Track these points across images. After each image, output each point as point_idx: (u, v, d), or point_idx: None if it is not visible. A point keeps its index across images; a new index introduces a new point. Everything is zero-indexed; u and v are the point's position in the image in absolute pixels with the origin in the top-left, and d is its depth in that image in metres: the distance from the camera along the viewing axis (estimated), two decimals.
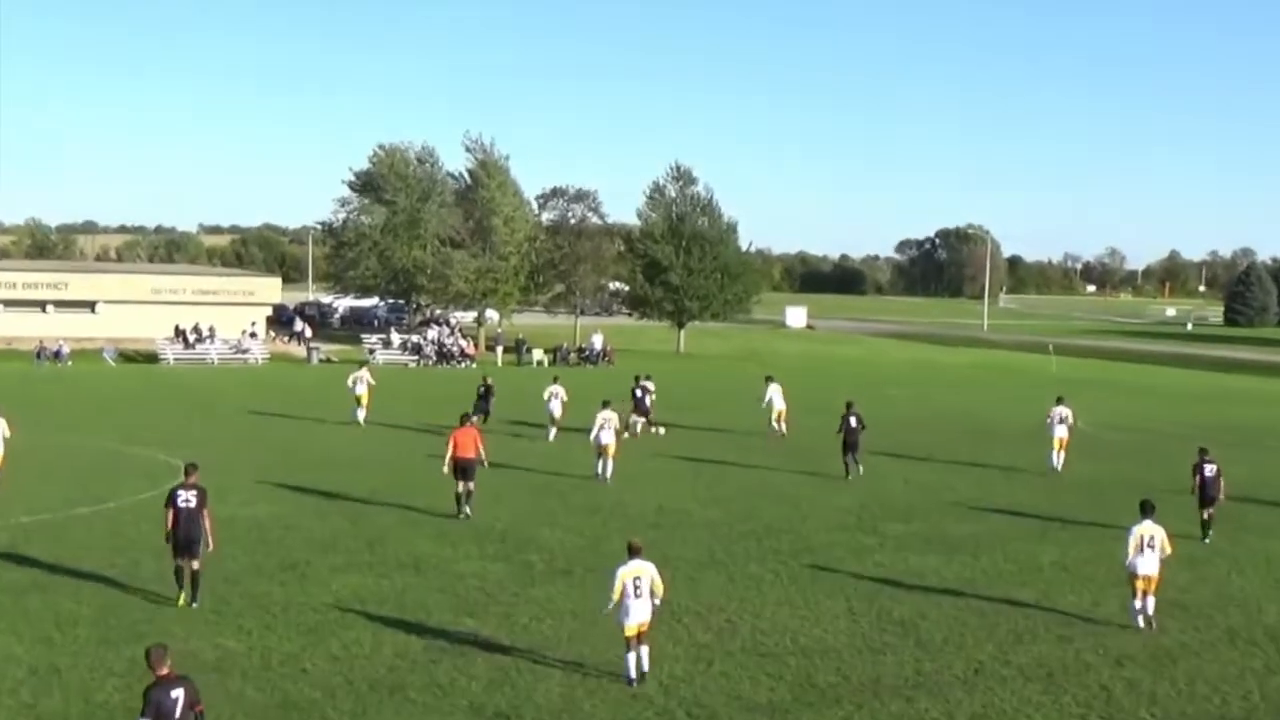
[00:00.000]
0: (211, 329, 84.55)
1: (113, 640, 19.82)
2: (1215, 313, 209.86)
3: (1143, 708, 18.18)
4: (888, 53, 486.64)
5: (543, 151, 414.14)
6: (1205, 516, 29.65)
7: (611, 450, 36.56)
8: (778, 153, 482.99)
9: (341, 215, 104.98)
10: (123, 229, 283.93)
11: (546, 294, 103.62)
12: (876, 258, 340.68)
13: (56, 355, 78.25)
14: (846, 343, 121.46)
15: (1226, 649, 21.10)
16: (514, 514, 30.88)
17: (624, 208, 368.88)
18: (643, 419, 47.05)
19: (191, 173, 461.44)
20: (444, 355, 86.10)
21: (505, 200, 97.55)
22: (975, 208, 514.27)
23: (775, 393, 47.78)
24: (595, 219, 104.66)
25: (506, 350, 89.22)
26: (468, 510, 30.37)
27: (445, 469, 30.87)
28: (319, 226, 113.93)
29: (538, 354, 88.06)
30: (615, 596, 18.26)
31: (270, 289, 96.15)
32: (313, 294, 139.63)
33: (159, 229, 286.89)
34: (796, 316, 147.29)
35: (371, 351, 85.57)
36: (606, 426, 36.62)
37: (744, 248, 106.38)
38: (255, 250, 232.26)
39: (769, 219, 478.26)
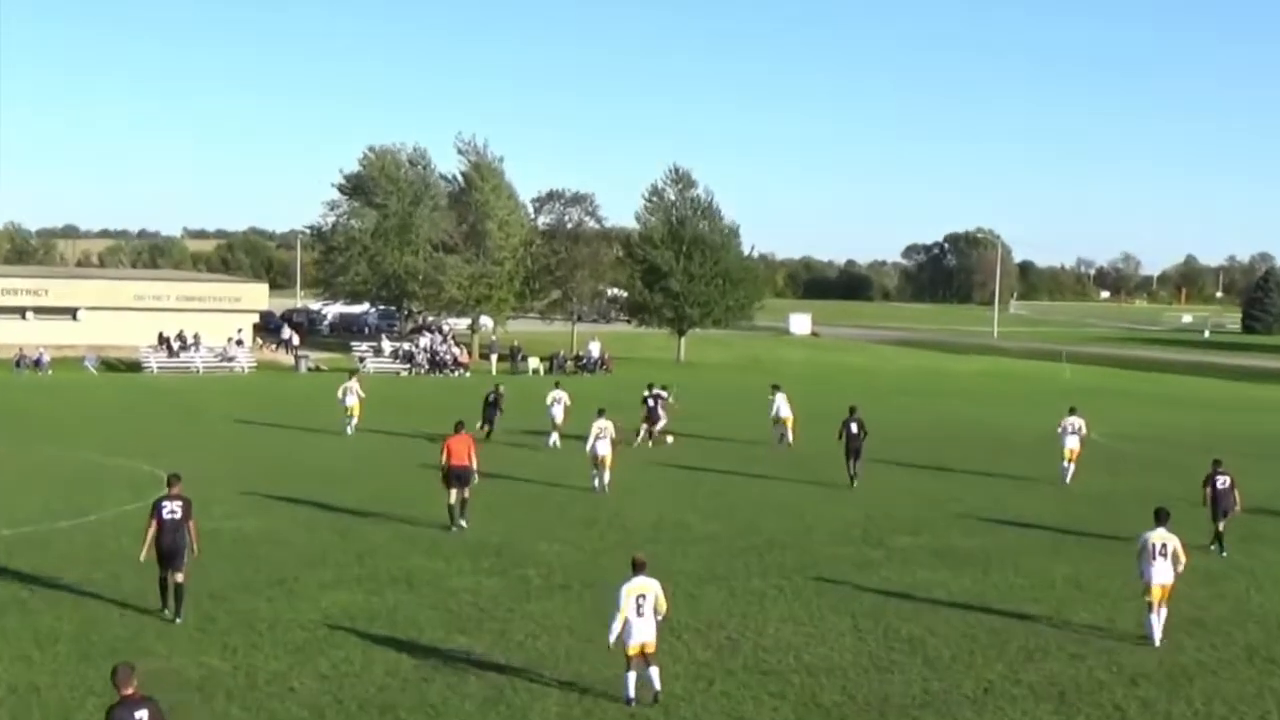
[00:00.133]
0: (196, 336, 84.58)
1: (93, 657, 19.79)
2: (1233, 319, 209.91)
3: None
4: (895, 53, 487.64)
5: (538, 154, 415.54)
6: (1219, 529, 29.68)
7: (608, 461, 36.61)
8: (781, 155, 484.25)
9: (331, 219, 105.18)
10: (105, 233, 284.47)
11: (542, 300, 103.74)
12: (883, 263, 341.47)
13: (37, 364, 78.26)
14: (852, 350, 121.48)
15: (1245, 667, 21.07)
16: (509, 527, 30.86)
17: (622, 211, 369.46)
18: (653, 427, 47.37)
19: (176, 175, 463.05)
20: (436, 364, 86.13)
21: (499, 204, 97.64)
22: (985, 211, 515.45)
23: (781, 402, 48.32)
24: (593, 223, 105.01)
25: (501, 358, 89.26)
26: (463, 521, 30.41)
27: (443, 469, 30.94)
28: (307, 231, 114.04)
29: (533, 362, 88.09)
30: (621, 620, 18.05)
31: (257, 295, 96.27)
32: (301, 300, 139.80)
33: (142, 233, 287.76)
34: (801, 323, 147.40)
35: (362, 360, 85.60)
36: (603, 436, 36.67)
37: (746, 252, 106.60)
38: (241, 255, 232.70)
39: (772, 223, 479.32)
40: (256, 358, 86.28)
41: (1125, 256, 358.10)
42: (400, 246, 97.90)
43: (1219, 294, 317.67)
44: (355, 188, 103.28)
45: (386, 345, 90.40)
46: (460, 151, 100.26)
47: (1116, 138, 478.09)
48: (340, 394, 50.23)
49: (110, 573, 25.05)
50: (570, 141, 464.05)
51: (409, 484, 36.80)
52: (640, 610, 18.08)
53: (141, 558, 22.35)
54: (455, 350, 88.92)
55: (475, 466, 31.00)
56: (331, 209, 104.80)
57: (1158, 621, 21.94)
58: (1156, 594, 21.91)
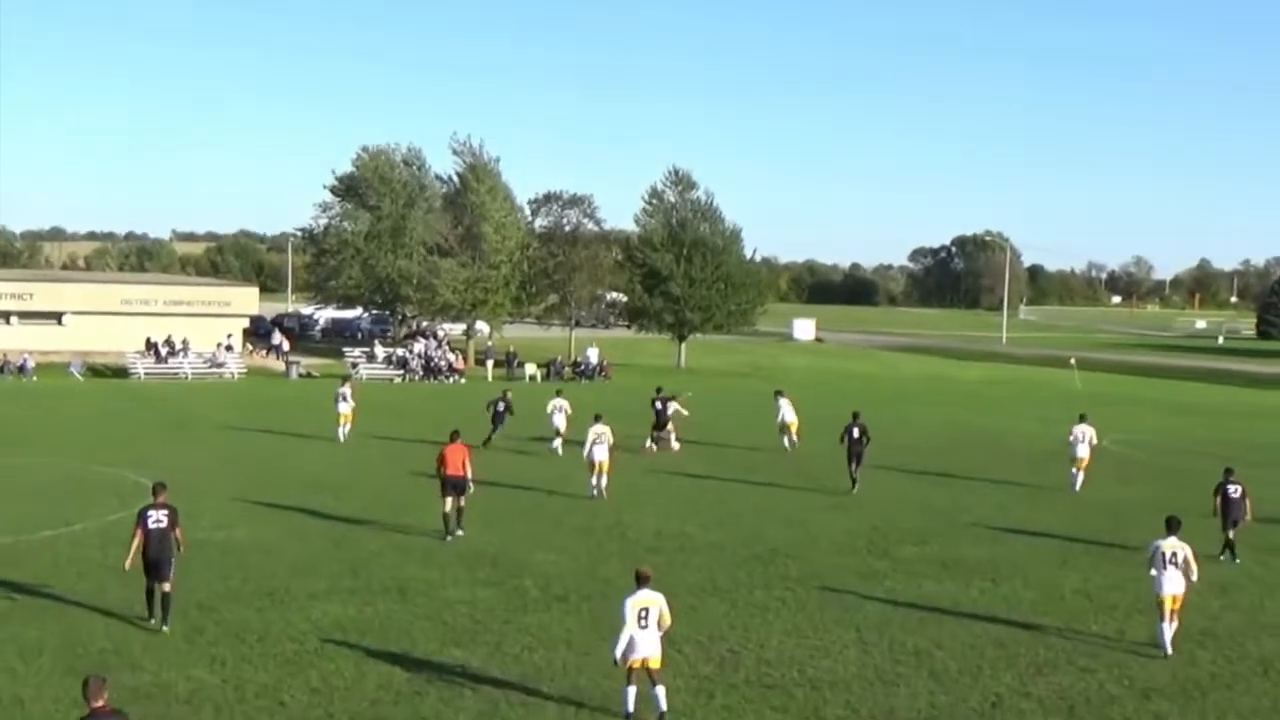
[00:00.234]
0: (185, 342, 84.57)
1: (78, 670, 19.71)
2: (1248, 325, 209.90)
3: None
4: (901, 52, 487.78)
5: (535, 155, 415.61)
6: (1229, 537, 29.89)
7: (605, 466, 36.86)
8: (784, 156, 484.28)
9: (323, 221, 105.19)
10: (91, 236, 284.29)
11: (539, 305, 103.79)
12: (889, 267, 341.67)
13: (21, 369, 78.27)
14: (857, 357, 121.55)
15: (1259, 680, 21.07)
16: (505, 536, 30.86)
17: (621, 214, 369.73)
18: (660, 432, 47.74)
19: (164, 176, 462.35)
20: (431, 370, 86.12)
21: (496, 206, 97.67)
22: (993, 214, 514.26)
23: (785, 407, 48.68)
24: (591, 225, 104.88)
25: (497, 364, 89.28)
26: (459, 531, 30.50)
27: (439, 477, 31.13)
28: (299, 233, 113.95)
29: (530, 368, 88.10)
30: (628, 631, 17.94)
31: (247, 299, 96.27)
32: (292, 305, 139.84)
33: (129, 236, 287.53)
34: (804, 329, 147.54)
35: (354, 366, 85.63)
36: (600, 442, 36.97)
37: (748, 256, 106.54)
38: (231, 258, 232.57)
39: (775, 226, 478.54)
40: (246, 364, 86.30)
41: (1137, 260, 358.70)
42: (394, 249, 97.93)
43: (1233, 299, 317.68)
44: (348, 189, 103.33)
45: (380, 351, 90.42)
46: (455, 152, 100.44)
47: (1128, 138, 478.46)
48: (335, 399, 50.38)
49: (95, 584, 25.04)
50: (568, 142, 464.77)
51: (402, 492, 36.81)
52: (643, 624, 18.00)
53: (126, 566, 22.38)
54: (450, 356, 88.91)
55: (470, 476, 31.11)
56: (324, 211, 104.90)
57: (1169, 631, 21.99)
58: (1167, 604, 21.96)
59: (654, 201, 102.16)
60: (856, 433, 39.24)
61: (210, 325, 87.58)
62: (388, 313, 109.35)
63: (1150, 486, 42.14)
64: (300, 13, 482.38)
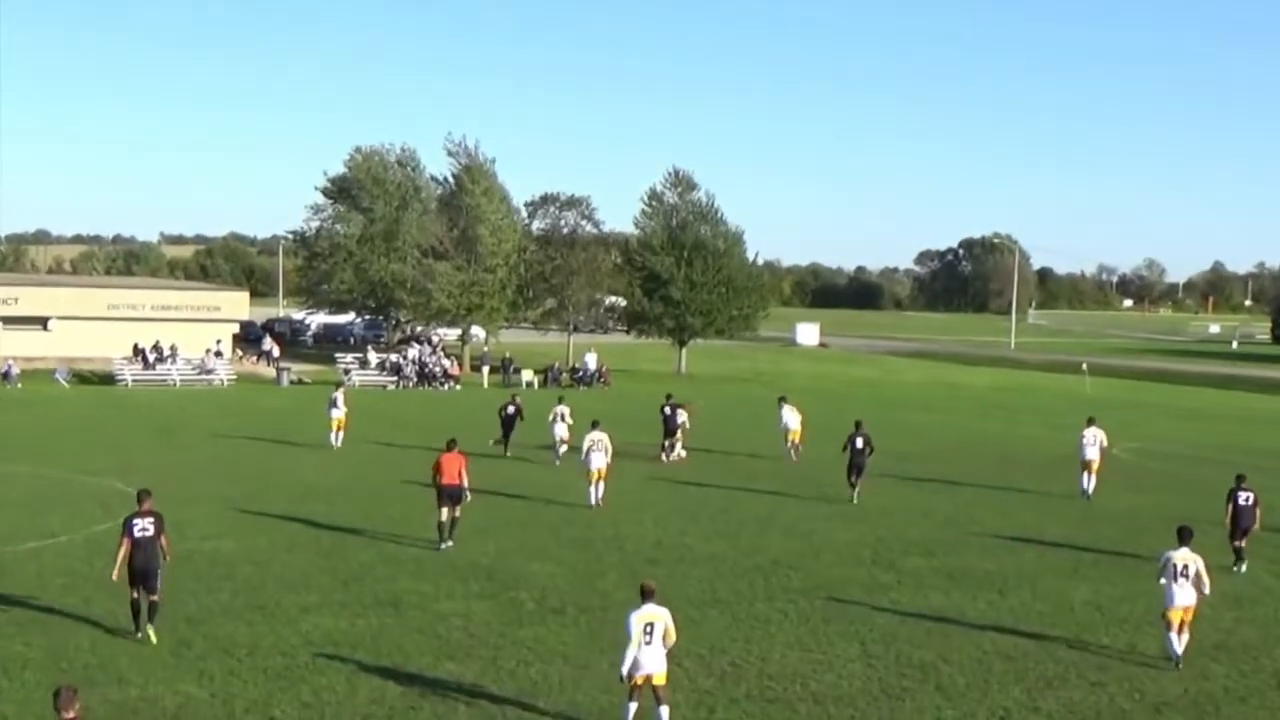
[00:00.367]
0: (173, 348, 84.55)
1: (63, 684, 19.74)
2: (1262, 329, 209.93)
3: None
4: (907, 51, 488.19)
5: (533, 157, 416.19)
6: (1239, 545, 30.09)
7: (603, 474, 36.98)
8: (787, 157, 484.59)
9: (315, 224, 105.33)
10: (78, 239, 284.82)
11: (536, 309, 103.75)
12: (895, 270, 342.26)
13: (5, 376, 78.23)
14: (862, 362, 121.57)
15: (1274, 695, 21.05)
16: (501, 547, 30.85)
17: (620, 216, 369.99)
18: (671, 440, 47.94)
19: (152, 178, 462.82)
20: (425, 376, 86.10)
21: (491, 207, 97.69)
22: (1002, 216, 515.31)
23: (789, 413, 48.78)
24: (589, 228, 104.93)
25: (493, 371, 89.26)
26: (450, 541, 30.52)
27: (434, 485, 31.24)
28: (290, 236, 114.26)
29: (527, 375, 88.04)
30: (634, 647, 17.82)
31: (237, 304, 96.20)
32: (283, 309, 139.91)
33: (117, 239, 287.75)
34: (808, 334, 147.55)
35: (347, 372, 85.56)
36: (596, 449, 37.01)
37: (751, 259, 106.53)
38: (221, 262, 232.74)
39: (778, 228, 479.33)
40: (236, 370, 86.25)
41: (1149, 263, 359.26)
42: (387, 252, 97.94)
43: (1248, 302, 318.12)
44: (341, 191, 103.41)
45: (373, 357, 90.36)
46: (450, 153, 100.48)
47: (1140, 138, 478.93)
48: (328, 405, 50.53)
49: (81, 596, 25.03)
50: (565, 143, 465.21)
51: (395, 503, 36.80)
52: (648, 639, 17.90)
53: (114, 577, 22.37)
54: (445, 362, 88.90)
55: (467, 485, 31.13)
56: (315, 213, 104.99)
57: (1179, 643, 22.02)
58: (1177, 616, 22.00)
59: (653, 203, 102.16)
60: (860, 443, 39.30)
61: (199, 331, 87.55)
62: (381, 318, 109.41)
63: (1162, 495, 42.15)
64: (292, 11, 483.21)
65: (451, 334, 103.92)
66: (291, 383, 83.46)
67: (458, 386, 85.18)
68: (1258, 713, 20.12)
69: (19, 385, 77.13)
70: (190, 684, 20.06)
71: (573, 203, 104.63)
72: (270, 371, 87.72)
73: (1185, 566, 22.15)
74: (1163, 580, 22.29)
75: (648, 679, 17.92)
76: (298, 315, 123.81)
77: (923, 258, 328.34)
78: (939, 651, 22.71)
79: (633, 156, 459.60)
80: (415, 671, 20.92)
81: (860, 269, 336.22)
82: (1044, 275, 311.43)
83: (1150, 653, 22.77)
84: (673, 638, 18.20)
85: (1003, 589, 27.80)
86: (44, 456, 46.01)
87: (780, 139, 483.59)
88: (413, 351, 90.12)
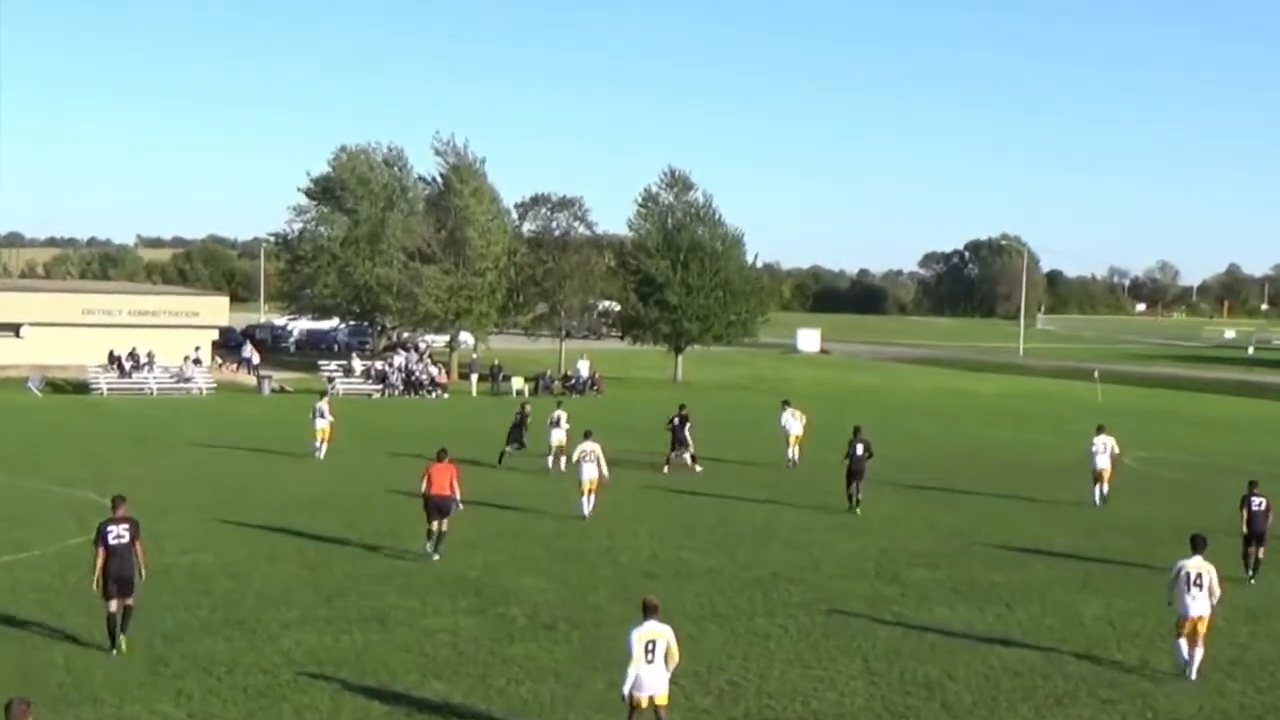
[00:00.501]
0: (150, 355, 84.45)
1: (35, 704, 19.69)
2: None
3: None
4: (910, 46, 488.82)
5: (524, 157, 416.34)
6: (1255, 554, 30.51)
7: (594, 485, 37.07)
8: (786, 156, 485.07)
9: (297, 226, 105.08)
10: (52, 242, 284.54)
11: (527, 315, 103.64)
12: (899, 273, 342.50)
13: None
14: (865, 369, 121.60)
15: None
16: (490, 560, 30.86)
17: (614, 218, 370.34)
18: (684, 452, 48.14)
19: (129, 179, 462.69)
20: (412, 384, 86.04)
21: (481, 209, 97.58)
22: (1009, 217, 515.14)
23: (790, 418, 49.02)
24: (582, 229, 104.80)
25: (482, 378, 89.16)
26: (437, 555, 30.63)
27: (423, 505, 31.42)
28: (272, 239, 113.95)
29: (517, 382, 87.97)
30: (636, 665, 17.68)
31: (216, 309, 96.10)
32: (265, 315, 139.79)
33: (92, 242, 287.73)
34: (809, 340, 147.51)
35: (330, 380, 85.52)
36: (588, 459, 37.10)
37: (749, 262, 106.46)
38: (200, 266, 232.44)
39: (777, 230, 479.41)
40: (215, 378, 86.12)
41: (1162, 266, 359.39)
42: (372, 255, 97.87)
43: (1264, 306, 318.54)
44: (324, 191, 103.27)
45: (357, 364, 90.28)
46: (438, 152, 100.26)
47: (1152, 137, 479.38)
48: (312, 414, 50.62)
49: (54, 612, 25.01)
50: (558, 143, 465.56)
51: (381, 514, 36.80)
52: (650, 657, 17.73)
53: (95, 588, 22.40)
54: (432, 370, 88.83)
55: (459, 496, 31.31)
56: (298, 215, 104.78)
57: (1190, 654, 22.15)
58: (1190, 627, 22.09)
59: (649, 204, 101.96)
60: (860, 449, 39.49)
61: (177, 337, 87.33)
62: (366, 324, 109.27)
63: (1176, 505, 42.20)
64: (274, 6, 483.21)
65: (439, 340, 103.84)
66: (273, 391, 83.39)
67: (445, 395, 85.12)
68: None
69: None
70: (167, 704, 20.04)
71: (565, 204, 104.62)
72: (251, 380, 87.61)
73: (1199, 575, 22.25)
74: (1174, 589, 22.37)
75: (650, 700, 17.81)
76: (279, 321, 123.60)
77: (927, 260, 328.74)
78: (944, 668, 22.72)
79: (627, 156, 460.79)
80: (401, 690, 20.91)
81: (863, 272, 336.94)
82: (1053, 278, 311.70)
83: (1164, 669, 22.79)
84: (676, 656, 18.00)
85: (1010, 603, 27.82)
86: (16, 467, 45.97)
87: (779, 137, 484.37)
88: (399, 359, 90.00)
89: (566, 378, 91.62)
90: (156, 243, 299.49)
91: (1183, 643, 22.25)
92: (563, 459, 46.46)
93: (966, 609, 27.17)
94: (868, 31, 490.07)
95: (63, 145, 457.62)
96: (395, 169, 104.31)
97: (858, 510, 38.92)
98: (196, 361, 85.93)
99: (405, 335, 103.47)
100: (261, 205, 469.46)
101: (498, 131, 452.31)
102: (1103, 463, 41.38)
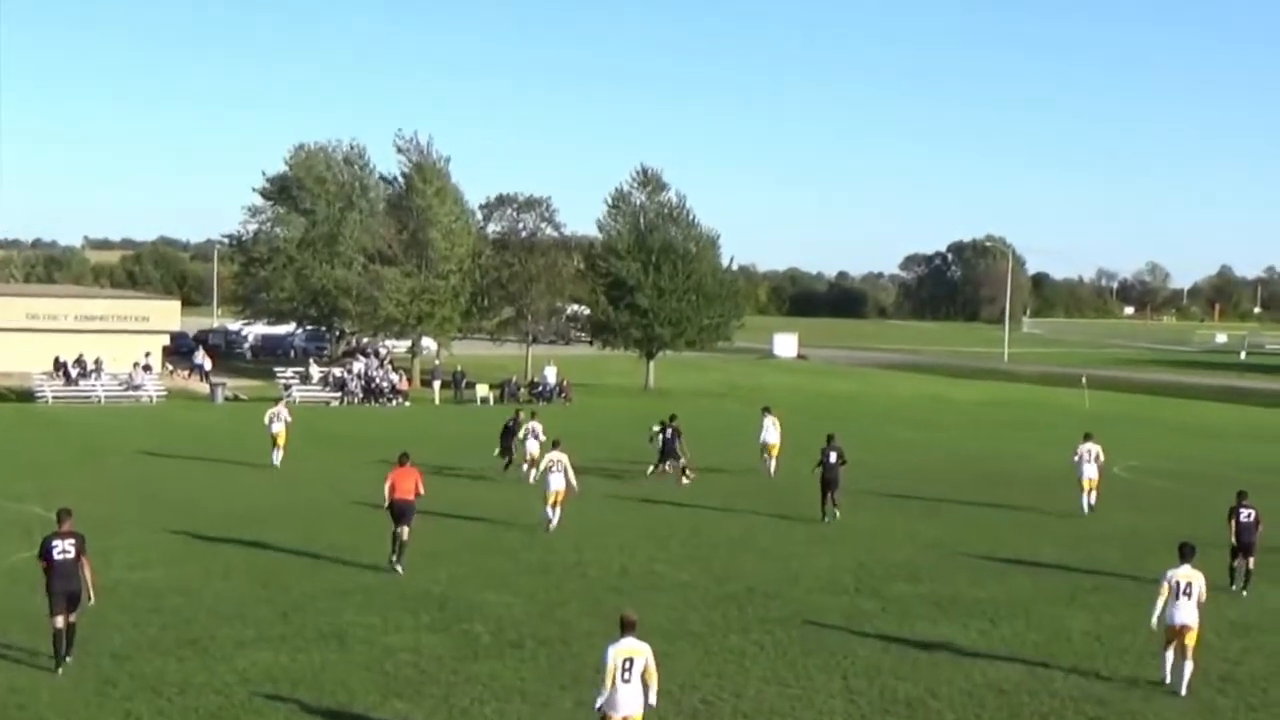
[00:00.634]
0: (98, 361, 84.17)
1: None
2: (1273, 338, 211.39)
3: None
4: (890, 42, 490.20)
5: (489, 155, 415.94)
6: (1244, 565, 30.72)
7: (560, 496, 37.08)
8: (761, 155, 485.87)
9: (252, 227, 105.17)
10: None
11: (493, 319, 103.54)
12: (879, 275, 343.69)
13: None
14: (844, 375, 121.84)
15: None
16: (454, 575, 30.82)
17: (583, 218, 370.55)
18: (675, 463, 48.14)
19: (76, 178, 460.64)
20: (372, 392, 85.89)
21: (444, 209, 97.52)
22: (994, 217, 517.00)
23: (769, 426, 49.20)
24: (550, 230, 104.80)
25: (445, 385, 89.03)
26: (400, 568, 30.72)
27: (386, 503, 31.63)
28: (225, 240, 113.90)
29: (481, 390, 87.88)
30: (608, 683, 17.53)
31: (168, 314, 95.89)
32: (218, 320, 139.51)
33: (37, 243, 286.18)
34: (786, 345, 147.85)
35: (287, 388, 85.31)
36: (555, 470, 37.12)
37: (724, 264, 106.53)
38: (150, 268, 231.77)
39: (752, 231, 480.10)
40: (166, 386, 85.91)
41: (1151, 268, 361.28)
42: (330, 258, 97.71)
43: (1257, 310, 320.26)
44: (280, 191, 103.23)
45: (315, 371, 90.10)
46: (401, 150, 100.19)
47: (1141, 135, 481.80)
48: (267, 420, 50.65)
49: None
50: (524, 141, 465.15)
51: (339, 527, 36.71)
52: (626, 676, 17.58)
53: (50, 610, 22.34)
54: (393, 377, 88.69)
55: (420, 494, 31.55)
56: (253, 215, 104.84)
57: (1176, 666, 22.37)
58: (1177, 636, 22.24)
59: (620, 204, 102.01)
60: (833, 457, 39.66)
61: (126, 343, 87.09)
62: (324, 328, 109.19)
63: (1166, 515, 42.34)
64: (232, 6, 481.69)
65: (400, 346, 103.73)
66: (226, 399, 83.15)
67: (407, 403, 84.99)
68: None
69: None
70: None
71: (531, 204, 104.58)
72: (203, 387, 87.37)
73: (1188, 584, 22.45)
74: (1161, 599, 22.50)
75: None
76: (233, 326, 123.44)
77: (909, 262, 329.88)
78: (927, 685, 22.76)
79: (596, 155, 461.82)
80: (361, 711, 20.88)
81: (842, 274, 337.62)
82: (1039, 281, 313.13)
83: (1153, 686, 22.85)
84: (654, 676, 17.80)
85: (995, 617, 27.88)
86: None
87: (755, 135, 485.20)
88: (358, 365, 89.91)
89: (533, 385, 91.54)
90: (104, 244, 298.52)
91: (1169, 654, 22.40)
92: (533, 470, 46.57)
93: (949, 624, 27.22)
94: (847, 28, 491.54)
95: (4, 143, 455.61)
96: (356, 167, 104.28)
97: (832, 518, 39.18)
98: (146, 368, 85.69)
99: (365, 340, 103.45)
100: (215, 206, 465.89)
101: (462, 129, 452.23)
102: (1090, 471, 41.72)
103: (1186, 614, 22.35)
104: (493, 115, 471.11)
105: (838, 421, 59.70)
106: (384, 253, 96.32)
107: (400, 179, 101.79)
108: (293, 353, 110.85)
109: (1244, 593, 30.30)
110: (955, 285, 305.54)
